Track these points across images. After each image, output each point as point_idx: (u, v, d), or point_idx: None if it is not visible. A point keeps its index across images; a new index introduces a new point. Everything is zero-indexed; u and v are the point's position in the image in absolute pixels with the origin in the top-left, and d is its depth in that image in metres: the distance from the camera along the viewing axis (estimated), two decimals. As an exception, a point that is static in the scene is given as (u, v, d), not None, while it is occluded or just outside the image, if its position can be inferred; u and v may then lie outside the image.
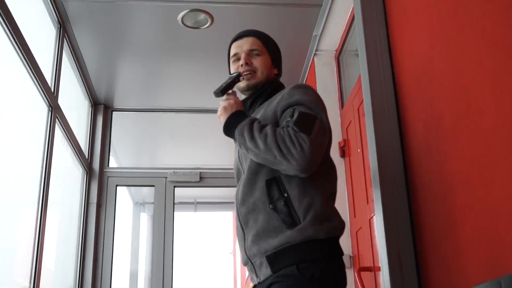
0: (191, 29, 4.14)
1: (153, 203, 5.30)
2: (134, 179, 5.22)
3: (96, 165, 5.03)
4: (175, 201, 5.20)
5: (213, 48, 4.44)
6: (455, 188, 1.91)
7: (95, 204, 4.90)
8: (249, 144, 1.74)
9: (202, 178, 5.23)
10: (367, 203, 3.61)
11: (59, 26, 4.01)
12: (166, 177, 5.19)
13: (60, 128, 4.06)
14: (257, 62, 2.04)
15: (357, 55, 4.45)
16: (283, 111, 1.84)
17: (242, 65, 2.03)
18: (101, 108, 5.23)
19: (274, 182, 1.78)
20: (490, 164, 1.65)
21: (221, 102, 1.90)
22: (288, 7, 3.93)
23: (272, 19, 4.08)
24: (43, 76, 3.54)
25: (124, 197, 7.22)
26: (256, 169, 1.82)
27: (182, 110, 5.45)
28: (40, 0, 3.73)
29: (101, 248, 4.86)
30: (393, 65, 2.56)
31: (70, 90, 4.62)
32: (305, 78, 4.71)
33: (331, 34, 4.22)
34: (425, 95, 2.18)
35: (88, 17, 4.00)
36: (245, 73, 2.00)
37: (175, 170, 5.21)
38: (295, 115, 1.75)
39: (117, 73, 4.78)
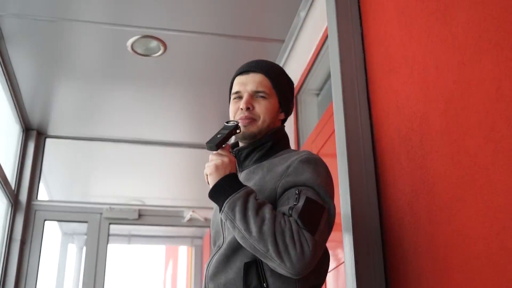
0: (141, 56, 3.79)
1: (84, 234, 4.87)
2: (66, 214, 4.77)
3: (23, 197, 4.55)
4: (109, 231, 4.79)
5: (163, 77, 4.12)
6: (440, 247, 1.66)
7: (19, 241, 4.40)
8: (239, 223, 1.46)
9: (141, 216, 4.85)
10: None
11: (-10, 42, 3.58)
12: (101, 213, 4.77)
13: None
14: (260, 107, 1.73)
15: (317, 94, 4.27)
16: (286, 189, 1.57)
17: (241, 109, 1.72)
18: (34, 134, 4.77)
19: (254, 266, 1.53)
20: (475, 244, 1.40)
21: (212, 157, 1.58)
22: (248, 40, 3.67)
23: (229, 52, 3.80)
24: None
25: (51, 227, 6.71)
26: (237, 246, 1.56)
27: (123, 140, 5.08)
28: (-30, 12, 3.30)
29: (23, 289, 4.35)
30: (371, 116, 2.31)
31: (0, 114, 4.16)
32: (259, 115, 4.43)
33: (291, 72, 3.95)
34: (413, 156, 1.93)
35: (26, 35, 3.59)
36: (244, 119, 1.71)
37: (111, 206, 4.79)
38: (301, 202, 1.49)
39: (53, 97, 4.37)
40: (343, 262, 2.37)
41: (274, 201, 1.56)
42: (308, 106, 4.13)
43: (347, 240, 2.16)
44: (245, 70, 1.78)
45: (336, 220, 3.09)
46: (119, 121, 4.77)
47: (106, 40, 3.65)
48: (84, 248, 4.78)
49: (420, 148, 1.89)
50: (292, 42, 3.63)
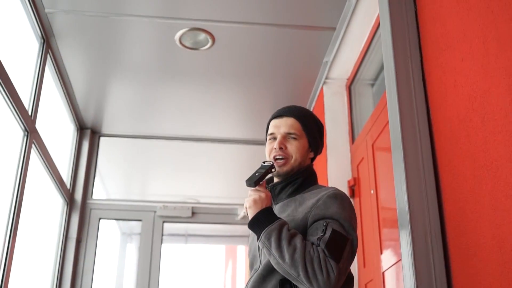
0: (189, 49, 3.74)
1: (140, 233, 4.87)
2: (120, 213, 4.77)
3: (78, 195, 4.59)
4: (164, 232, 4.77)
5: (212, 71, 4.05)
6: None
7: (75, 239, 4.43)
8: (274, 251, 1.70)
9: (194, 214, 4.81)
10: (380, 252, 3.17)
11: (42, 40, 3.60)
12: (155, 211, 4.75)
13: (37, 154, 3.62)
14: (292, 147, 1.97)
15: (371, 85, 4.10)
16: (315, 221, 1.79)
17: (275, 148, 1.96)
18: (88, 133, 4.81)
19: (288, 283, 1.76)
20: None
21: (251, 193, 1.82)
22: (298, 29, 3.54)
23: (279, 42, 3.69)
24: (18, 96, 3.13)
25: (110, 227, 6.79)
26: (272, 267, 1.79)
27: (176, 138, 5.06)
28: (21, 10, 3.32)
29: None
30: (427, 99, 2.14)
31: (53, 112, 4.20)
32: (312, 107, 4.31)
33: (344, 61, 3.83)
34: (474, 139, 1.76)
35: (77, 32, 3.61)
36: (277, 157, 1.95)
37: (165, 204, 4.77)
38: (327, 233, 1.73)
39: (106, 95, 4.38)
40: (400, 259, 2.23)
41: (305, 229, 1.79)
42: (362, 97, 3.97)
43: (404, 236, 2.01)
44: (279, 114, 2.03)
45: (392, 217, 2.95)
46: (171, 118, 4.75)
47: (155, 34, 3.62)
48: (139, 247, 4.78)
49: (482, 129, 1.72)
50: (344, 29, 3.48)
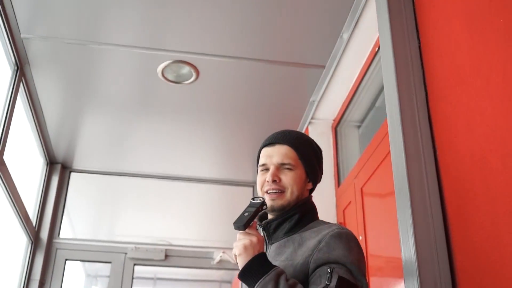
0: (171, 83, 3.57)
1: (108, 276, 4.57)
2: (88, 254, 4.49)
3: (44, 234, 4.30)
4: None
5: (193, 107, 3.88)
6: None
7: (38, 282, 4.12)
8: None
9: (168, 256, 4.55)
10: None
11: (15, 67, 3.39)
12: (125, 253, 4.48)
13: (3, 188, 3.36)
14: (287, 179, 1.75)
15: (358, 126, 3.99)
16: (318, 266, 1.57)
17: (268, 181, 1.75)
18: (58, 167, 4.56)
19: None
20: None
21: (240, 237, 1.59)
22: (286, 66, 3.41)
23: (265, 78, 3.55)
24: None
25: (74, 268, 6.45)
26: None
27: (151, 176, 4.85)
28: (-5, 35, 3.13)
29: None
30: (434, 139, 2.00)
31: (22, 144, 3.95)
32: (296, 149, 4.15)
33: (331, 101, 3.72)
34: (493, 183, 1.62)
35: (53, 60, 3.41)
36: (270, 191, 1.74)
37: (137, 246, 4.50)
38: (333, 282, 1.50)
39: (80, 128, 4.16)
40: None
41: (306, 276, 1.57)
42: (348, 138, 3.84)
43: (411, 286, 1.83)
44: (271, 142, 1.81)
45: (383, 265, 2.76)
46: (148, 155, 4.55)
47: (136, 65, 3.45)
48: (107, 291, 4.48)
49: (503, 172, 1.58)
50: (334, 68, 3.36)
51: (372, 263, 3.02)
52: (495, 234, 1.60)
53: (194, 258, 4.61)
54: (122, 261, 4.45)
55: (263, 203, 1.65)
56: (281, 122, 4.04)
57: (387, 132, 2.91)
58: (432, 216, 1.86)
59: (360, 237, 3.17)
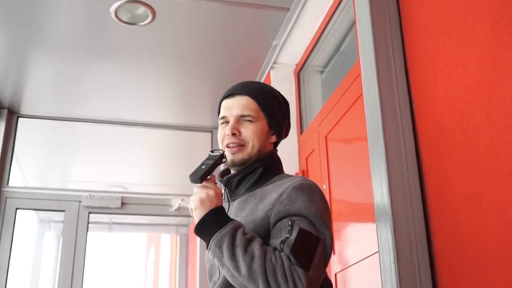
0: (126, 24, 3.33)
1: (62, 222, 4.42)
2: (40, 202, 4.31)
3: (-8, 183, 4.08)
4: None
5: (149, 49, 3.67)
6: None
7: (-11, 232, 3.95)
8: (227, 261, 1.41)
9: (124, 204, 4.42)
10: (333, 253, 2.95)
11: (-48, 5, 3.09)
12: (80, 201, 4.31)
13: None
14: (247, 131, 1.65)
15: (321, 72, 3.88)
16: (278, 220, 1.50)
17: (228, 135, 1.65)
18: (4, 112, 4.29)
19: None
20: None
21: (196, 190, 1.51)
22: (248, 7, 3.23)
23: (226, 20, 3.37)
24: None
25: (25, 214, 6.26)
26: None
27: (104, 121, 4.62)
28: None
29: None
30: (410, 90, 1.91)
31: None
32: (256, 94, 4.01)
33: (294, 45, 3.57)
34: (475, 139, 1.54)
35: (-6, -2, 3.12)
36: (230, 145, 1.65)
37: (91, 193, 4.34)
38: (293, 234, 1.43)
39: (27, 71, 3.89)
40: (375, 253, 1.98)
41: (266, 231, 1.51)
42: (311, 84, 3.73)
43: (384, 229, 1.76)
44: (230, 93, 1.71)
45: (367, 211, 2.73)
46: (101, 100, 4.32)
47: (87, 4, 3.19)
48: (61, 239, 4.33)
49: (487, 128, 1.50)
50: (299, 10, 3.20)
51: (337, 209, 2.97)
52: (476, 192, 1.54)
53: (152, 205, 4.49)
54: (77, 210, 4.30)
55: (222, 156, 1.57)
56: (241, 66, 3.88)
57: (355, 78, 2.83)
58: (407, 169, 1.78)
59: (324, 186, 3.11)
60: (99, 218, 7.00)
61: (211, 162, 1.53)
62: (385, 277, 1.72)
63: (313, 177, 3.34)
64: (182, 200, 4.39)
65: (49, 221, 7.17)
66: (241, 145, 1.64)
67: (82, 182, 5.43)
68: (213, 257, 1.44)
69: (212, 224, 1.45)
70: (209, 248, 1.44)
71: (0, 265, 3.99)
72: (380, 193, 1.77)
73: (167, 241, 8.73)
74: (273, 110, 1.70)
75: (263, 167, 1.64)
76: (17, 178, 4.93)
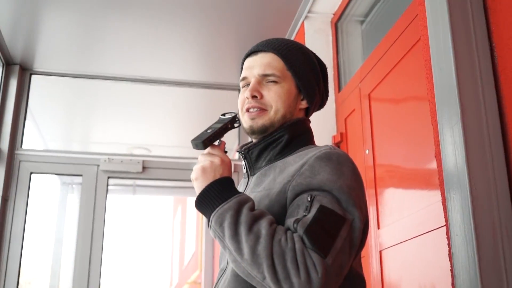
0: (143, -32, 2.98)
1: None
2: (55, 166, 4.04)
3: (4, 145, 3.81)
4: (109, 183, 4.10)
5: (171, 2, 3.31)
6: None
7: (0, 198, 3.69)
8: (228, 242, 1.18)
9: (145, 168, 4.13)
10: (378, 227, 2.60)
11: None
12: (98, 165, 4.04)
13: None
14: (270, 94, 1.40)
15: (361, 22, 3.48)
16: (296, 194, 1.25)
17: (248, 98, 1.41)
18: (16, 69, 3.99)
19: None
20: None
21: (200, 159, 1.30)
22: None
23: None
24: None
25: (46, 176, 6.05)
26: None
27: (124, 78, 4.30)
28: None
29: (5, 257, 3.68)
30: (491, 33, 1.51)
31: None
32: (289, 48, 3.64)
33: (331, -8, 3.17)
34: None
35: None
36: (250, 109, 1.40)
37: (110, 157, 4.06)
38: (312, 212, 1.18)
39: (40, 25, 3.59)
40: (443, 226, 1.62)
41: (283, 208, 1.27)
42: (351, 36, 3.35)
43: (455, 199, 1.40)
44: (253, 50, 1.48)
45: (418, 178, 2.37)
46: (121, 55, 4.01)
47: None
48: (79, 205, 4.07)
49: None
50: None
51: (381, 175, 2.62)
52: None
53: (175, 169, 4.19)
54: (95, 174, 4.02)
55: (234, 119, 1.36)
56: (272, 17, 3.52)
57: (405, 27, 2.44)
58: (488, 132, 1.40)
59: (367, 151, 2.75)
60: (122, 181, 6.79)
61: (219, 125, 1.32)
62: (459, 267, 1.36)
63: (354, 140, 2.98)
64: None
65: (72, 183, 6.98)
66: (263, 110, 1.40)
67: (101, 144, 5.17)
68: (214, 237, 1.22)
69: (213, 197, 1.24)
70: (210, 226, 1.22)
71: (15, 232, 3.75)
72: (453, 164, 1.40)
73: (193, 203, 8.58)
74: (302, 70, 1.44)
75: (288, 136, 1.40)
76: (32, 140, 4.68)
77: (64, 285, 6.17)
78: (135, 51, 3.95)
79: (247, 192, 1.36)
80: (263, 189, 1.34)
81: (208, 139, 1.27)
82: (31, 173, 3.90)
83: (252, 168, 1.44)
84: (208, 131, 1.30)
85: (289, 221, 1.20)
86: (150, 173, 4.14)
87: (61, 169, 4.07)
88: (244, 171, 1.46)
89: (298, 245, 1.13)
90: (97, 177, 4.01)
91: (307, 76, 1.45)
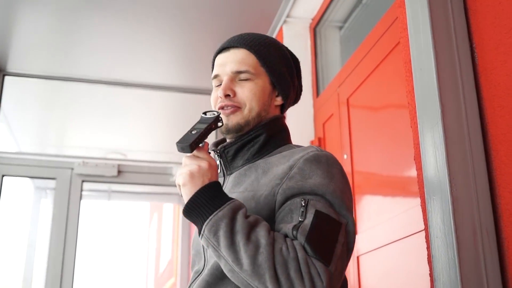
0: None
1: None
2: (30, 169, 3.98)
3: (-24, 147, 3.73)
4: (84, 188, 4.02)
5: (148, 2, 3.28)
6: None
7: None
8: (225, 252, 1.14)
9: (121, 172, 4.08)
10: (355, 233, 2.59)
11: None
12: (72, 168, 3.97)
13: None
14: (244, 91, 1.37)
15: (339, 27, 3.48)
16: (287, 198, 1.22)
17: (220, 97, 1.37)
18: (-12, 70, 3.91)
19: None
20: None
21: (185, 161, 1.24)
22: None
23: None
24: None
25: (20, 181, 5.94)
26: (222, 273, 1.23)
27: (100, 81, 4.23)
28: None
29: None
30: (471, 32, 1.50)
31: None
32: (267, 53, 3.63)
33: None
34: None
35: None
36: (224, 107, 1.37)
37: (85, 160, 3.99)
38: (308, 217, 1.16)
39: (14, 24, 3.52)
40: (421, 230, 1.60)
41: (272, 212, 1.24)
42: (328, 41, 3.34)
43: (436, 204, 1.39)
44: (225, 46, 1.43)
45: (395, 185, 2.36)
46: (97, 57, 3.94)
47: None
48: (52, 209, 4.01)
49: None
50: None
51: (358, 182, 2.61)
52: None
53: (151, 174, 4.15)
54: (69, 178, 3.95)
55: (217, 118, 1.29)
56: (250, 20, 3.50)
57: (383, 32, 2.44)
58: (469, 135, 1.39)
59: (345, 156, 2.74)
60: (97, 186, 6.71)
61: (203, 126, 1.26)
62: (439, 269, 1.34)
63: (332, 145, 2.97)
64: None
65: (45, 188, 6.87)
66: (237, 107, 1.37)
67: (76, 148, 5.09)
68: (207, 246, 1.17)
69: (205, 204, 1.18)
70: (202, 235, 1.17)
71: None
72: (433, 165, 1.38)
73: (170, 210, 8.52)
74: (277, 65, 1.41)
75: (266, 135, 1.37)
76: (5, 142, 4.58)
77: (36, 292, 6.06)
78: (110, 53, 3.90)
79: (226, 192, 1.32)
80: (245, 190, 1.30)
81: (195, 142, 1.22)
82: (3, 175, 3.82)
83: (228, 167, 1.40)
84: (193, 132, 1.24)
85: (286, 227, 1.18)
86: (125, 177, 4.10)
87: (34, 172, 4.01)
88: (219, 170, 1.41)
89: (300, 254, 1.11)
90: (71, 181, 3.95)
91: (281, 71, 1.42)
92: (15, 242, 6.01)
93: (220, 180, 1.41)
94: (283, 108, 1.46)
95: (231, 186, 1.36)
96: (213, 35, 3.67)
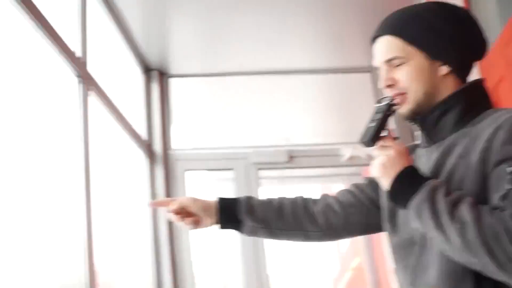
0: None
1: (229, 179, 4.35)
2: (207, 162, 4.21)
3: (157, 147, 4.02)
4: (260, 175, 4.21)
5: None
6: None
7: (164, 197, 3.89)
8: (433, 232, 1.17)
9: (292, 158, 4.18)
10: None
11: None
12: (246, 158, 4.13)
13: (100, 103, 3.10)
14: (403, 77, 1.36)
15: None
16: (495, 165, 1.18)
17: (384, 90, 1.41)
18: (155, 74, 4.15)
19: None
20: None
21: (375, 153, 1.30)
22: None
23: None
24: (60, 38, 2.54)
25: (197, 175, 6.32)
26: None
27: (256, 72, 4.34)
28: None
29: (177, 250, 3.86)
30: None
31: (109, 53, 3.64)
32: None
33: None
34: None
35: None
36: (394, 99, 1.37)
37: (257, 149, 4.16)
38: None
39: (170, 29, 3.75)
40: None
41: (483, 179, 1.20)
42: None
43: None
44: (373, 37, 1.44)
45: None
46: (247, 50, 4.07)
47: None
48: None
49: None
50: None
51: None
52: None
53: (321, 156, 4.19)
54: (244, 167, 4.12)
55: (390, 105, 1.34)
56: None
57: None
58: None
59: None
60: (268, 173, 6.93)
61: (379, 116, 1.32)
62: None
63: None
64: (354, 147, 3.98)
65: (225, 179, 7.22)
66: (403, 94, 1.37)
67: (246, 138, 5.29)
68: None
69: (403, 191, 1.24)
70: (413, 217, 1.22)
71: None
72: None
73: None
74: (424, 38, 1.36)
75: (462, 104, 1.33)
76: (183, 140, 4.90)
77: None
78: (263, 45, 4.01)
79: (434, 163, 1.32)
80: (458, 156, 1.28)
81: (376, 135, 1.29)
82: (185, 170, 4.07)
83: (432, 138, 1.38)
84: (372, 125, 1.31)
85: (494, 198, 1.16)
86: (296, 162, 4.18)
87: (212, 165, 4.25)
88: (422, 140, 1.43)
89: (510, 224, 1.08)
90: (248, 170, 4.09)
91: (434, 40, 1.35)
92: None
93: (427, 151, 1.39)
94: (464, 69, 1.38)
95: (440, 156, 1.33)
96: (357, 10, 3.63)
